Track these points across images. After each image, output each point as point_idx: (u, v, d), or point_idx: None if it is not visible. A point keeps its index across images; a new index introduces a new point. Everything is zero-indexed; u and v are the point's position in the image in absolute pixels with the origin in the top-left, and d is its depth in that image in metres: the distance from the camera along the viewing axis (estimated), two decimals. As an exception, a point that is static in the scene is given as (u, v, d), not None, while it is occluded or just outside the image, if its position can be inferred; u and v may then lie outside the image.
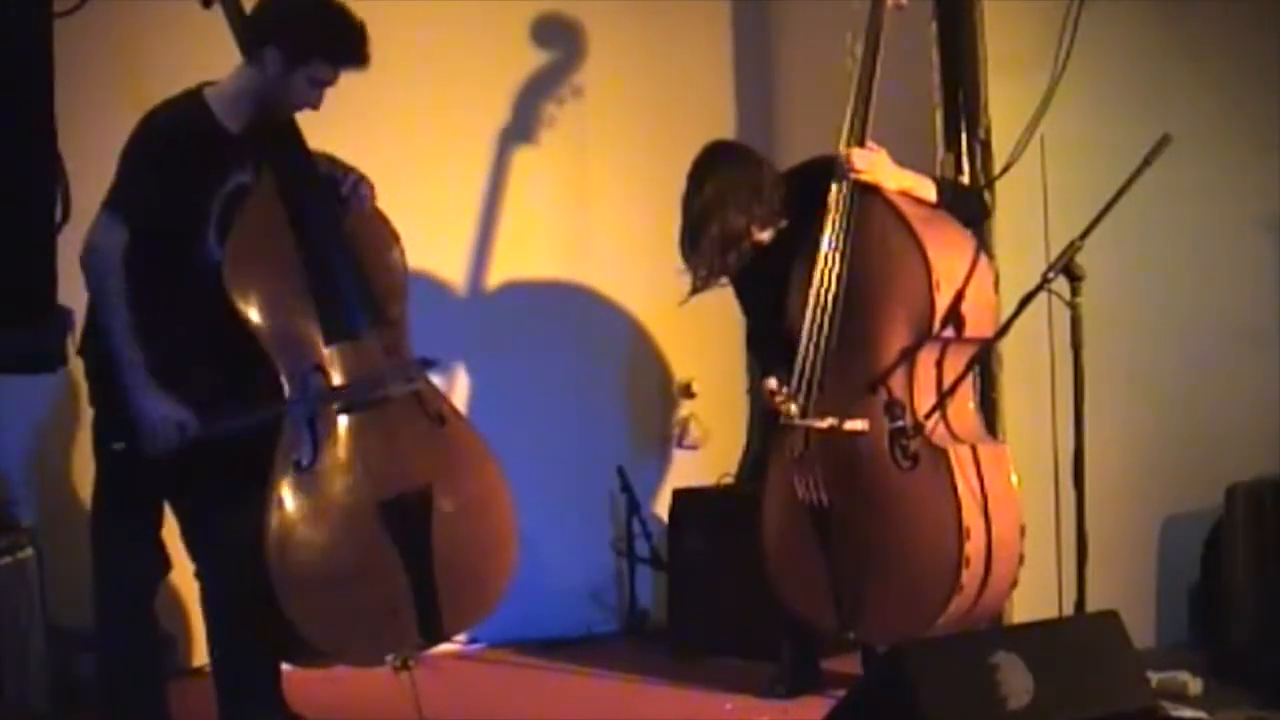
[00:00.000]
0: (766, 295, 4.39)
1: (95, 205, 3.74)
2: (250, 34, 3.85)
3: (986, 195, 4.60)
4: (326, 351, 3.92)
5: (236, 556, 3.82)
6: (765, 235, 4.35)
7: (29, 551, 4.23)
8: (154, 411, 3.71)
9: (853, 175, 4.18)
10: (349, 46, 3.84)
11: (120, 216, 3.74)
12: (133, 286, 3.76)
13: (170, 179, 3.76)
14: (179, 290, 3.82)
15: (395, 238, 4.14)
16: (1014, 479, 4.12)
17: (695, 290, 4.38)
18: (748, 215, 4.28)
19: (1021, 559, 4.11)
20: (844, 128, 4.24)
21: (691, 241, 4.32)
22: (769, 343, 4.41)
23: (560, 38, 5.56)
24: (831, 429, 4.11)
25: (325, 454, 3.89)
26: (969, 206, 4.41)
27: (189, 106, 3.84)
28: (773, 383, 4.25)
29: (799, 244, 4.28)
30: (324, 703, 4.28)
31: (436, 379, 4.21)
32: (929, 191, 4.25)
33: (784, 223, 4.36)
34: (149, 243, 3.78)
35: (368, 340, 3.97)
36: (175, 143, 3.79)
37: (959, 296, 4.09)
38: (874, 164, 4.19)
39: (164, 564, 3.91)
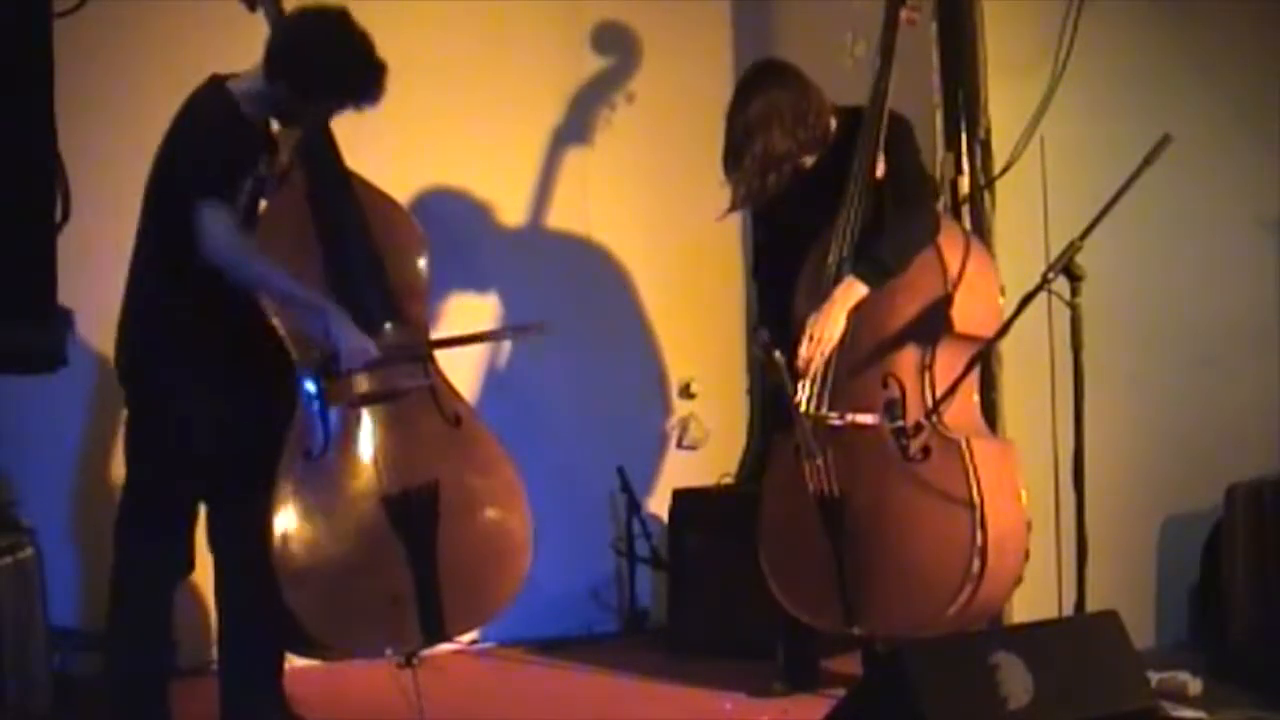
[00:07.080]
0: (789, 231, 4.36)
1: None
2: (266, 59, 3.82)
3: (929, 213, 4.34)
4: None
5: (248, 548, 3.84)
6: (807, 160, 4.30)
7: (29, 551, 4.23)
8: (353, 338, 3.83)
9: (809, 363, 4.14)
10: (362, 89, 3.81)
11: (215, 200, 3.71)
12: (145, 263, 3.77)
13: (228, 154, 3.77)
14: (190, 270, 3.79)
15: (424, 243, 4.15)
16: (1018, 474, 4.14)
17: (733, 208, 4.36)
18: (792, 138, 4.23)
19: (1027, 554, 4.12)
20: (863, 148, 4.20)
21: (734, 158, 4.26)
22: (775, 286, 4.41)
23: (582, 39, 5.57)
24: (843, 424, 4.12)
25: (335, 446, 3.91)
26: (912, 240, 4.21)
27: (221, 94, 3.83)
28: (765, 335, 4.16)
29: (834, 185, 4.23)
30: (325, 702, 4.28)
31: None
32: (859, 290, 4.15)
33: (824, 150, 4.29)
34: (166, 225, 3.79)
35: (383, 335, 3.99)
36: (228, 122, 3.79)
37: (967, 296, 4.12)
38: (826, 331, 4.13)
39: (190, 564, 3.91)
